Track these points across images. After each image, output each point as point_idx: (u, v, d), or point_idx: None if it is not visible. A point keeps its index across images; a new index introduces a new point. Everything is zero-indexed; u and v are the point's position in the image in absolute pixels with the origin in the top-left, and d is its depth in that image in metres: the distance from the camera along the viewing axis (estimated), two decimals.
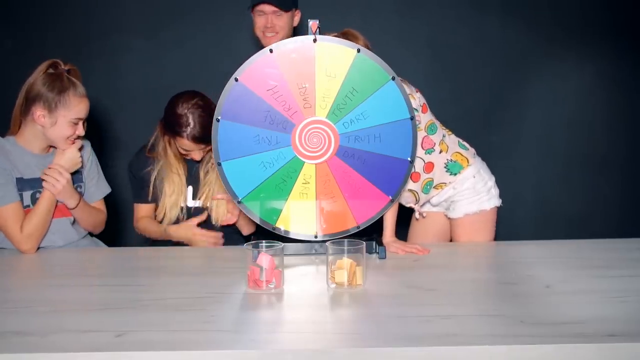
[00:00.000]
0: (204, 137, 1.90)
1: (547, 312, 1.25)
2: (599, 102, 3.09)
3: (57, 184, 1.76)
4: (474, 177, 1.95)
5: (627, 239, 1.91)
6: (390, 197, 1.72)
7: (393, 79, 1.64)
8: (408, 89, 1.84)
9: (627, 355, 1.09)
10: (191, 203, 2.05)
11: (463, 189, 1.95)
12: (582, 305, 1.29)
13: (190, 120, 1.90)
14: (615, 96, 3.09)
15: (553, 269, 1.58)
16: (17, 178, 1.78)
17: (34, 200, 1.80)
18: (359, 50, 1.62)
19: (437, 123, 1.96)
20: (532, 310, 1.27)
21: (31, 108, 1.76)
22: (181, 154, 2.02)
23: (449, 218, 2.04)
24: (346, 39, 1.69)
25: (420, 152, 1.90)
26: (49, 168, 1.78)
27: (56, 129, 1.77)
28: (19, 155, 1.81)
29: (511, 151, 3.06)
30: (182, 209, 2.03)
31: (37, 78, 1.76)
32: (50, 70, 1.78)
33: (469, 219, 1.96)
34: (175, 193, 2.02)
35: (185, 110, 1.91)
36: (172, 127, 1.93)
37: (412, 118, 1.67)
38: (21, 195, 1.78)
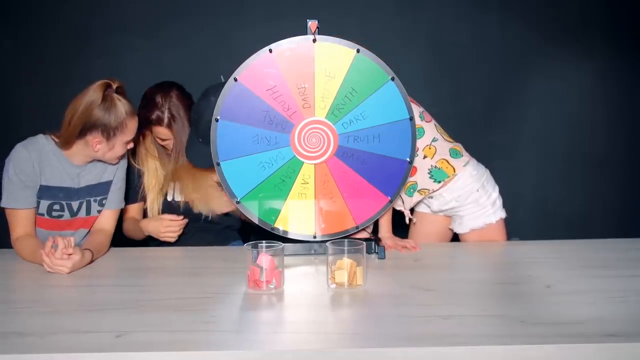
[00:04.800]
0: (177, 123, 1.94)
1: (547, 312, 1.25)
2: (598, 102, 3.09)
3: (61, 270, 1.59)
4: (478, 191, 1.90)
5: (627, 239, 1.91)
6: (389, 198, 1.72)
7: (392, 79, 1.64)
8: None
9: (627, 355, 1.09)
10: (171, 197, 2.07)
11: (467, 203, 1.91)
12: (582, 305, 1.29)
13: (165, 108, 1.94)
14: (615, 96, 3.09)
15: (553, 269, 1.58)
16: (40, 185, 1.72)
17: (50, 211, 1.74)
18: (358, 51, 1.62)
19: (429, 127, 1.89)
20: (532, 310, 1.27)
21: (87, 134, 1.68)
22: (158, 144, 2.03)
23: (455, 232, 2.02)
24: None
25: None
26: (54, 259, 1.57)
27: (113, 152, 1.74)
28: (56, 160, 1.74)
29: (511, 151, 3.05)
30: (163, 203, 2.04)
31: (93, 103, 1.66)
32: (106, 93, 1.67)
33: (477, 233, 1.93)
34: (155, 188, 2.03)
35: (160, 99, 1.95)
36: (147, 117, 1.95)
37: (412, 118, 1.67)
38: (38, 202, 1.73)
